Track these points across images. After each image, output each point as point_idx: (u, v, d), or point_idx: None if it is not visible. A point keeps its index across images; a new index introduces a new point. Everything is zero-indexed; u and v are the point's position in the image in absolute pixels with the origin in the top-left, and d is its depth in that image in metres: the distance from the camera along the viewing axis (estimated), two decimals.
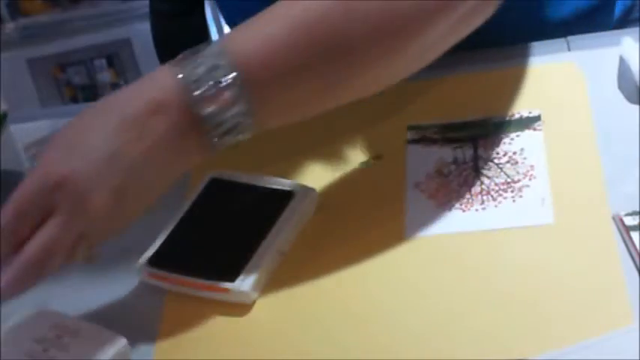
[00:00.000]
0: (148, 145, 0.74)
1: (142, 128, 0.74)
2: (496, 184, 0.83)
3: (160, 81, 0.75)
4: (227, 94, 0.74)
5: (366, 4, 0.75)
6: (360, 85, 0.79)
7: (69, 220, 0.73)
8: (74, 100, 2.22)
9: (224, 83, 0.74)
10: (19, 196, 0.74)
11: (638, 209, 0.77)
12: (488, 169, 0.84)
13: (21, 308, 0.80)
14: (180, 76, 0.74)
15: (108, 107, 0.76)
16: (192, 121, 0.74)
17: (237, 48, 0.75)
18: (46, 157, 0.75)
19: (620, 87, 0.88)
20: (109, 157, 0.73)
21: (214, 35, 1.77)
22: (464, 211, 0.82)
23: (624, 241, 0.76)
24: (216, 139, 0.76)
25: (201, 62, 0.74)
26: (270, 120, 0.77)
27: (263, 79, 0.75)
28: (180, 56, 0.76)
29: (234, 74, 0.74)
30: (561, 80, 0.91)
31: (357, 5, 0.75)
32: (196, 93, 0.74)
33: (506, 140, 0.86)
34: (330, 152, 0.90)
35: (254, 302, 0.79)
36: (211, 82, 0.74)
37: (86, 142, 0.74)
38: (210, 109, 0.74)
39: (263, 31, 0.76)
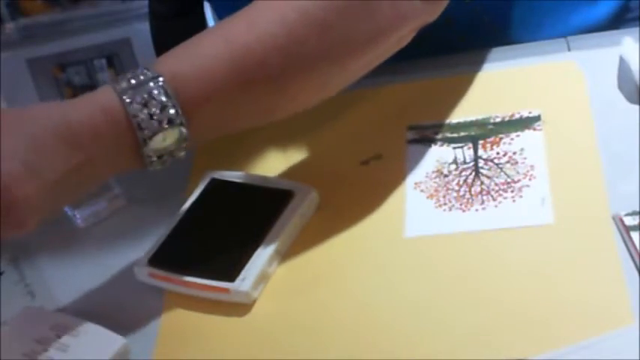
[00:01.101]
0: (82, 160, 0.74)
1: (80, 145, 0.74)
2: (496, 184, 0.83)
3: (101, 101, 0.75)
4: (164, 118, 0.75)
5: (303, 38, 0.77)
6: (289, 107, 0.81)
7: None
8: None
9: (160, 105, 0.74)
10: None
11: (638, 209, 0.77)
12: (489, 169, 0.84)
13: (21, 308, 0.81)
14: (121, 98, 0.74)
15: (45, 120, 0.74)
16: (130, 143, 0.75)
17: (172, 69, 0.75)
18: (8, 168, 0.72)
19: (620, 87, 0.88)
20: (54, 183, 0.73)
21: None
22: (464, 211, 0.82)
23: (624, 241, 0.75)
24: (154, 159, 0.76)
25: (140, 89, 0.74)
26: (199, 137, 0.78)
27: (198, 100, 0.75)
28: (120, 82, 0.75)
29: (170, 99, 0.74)
30: (561, 80, 0.91)
31: (291, 41, 0.77)
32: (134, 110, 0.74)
33: (506, 140, 0.86)
34: (330, 152, 0.90)
35: (254, 302, 0.79)
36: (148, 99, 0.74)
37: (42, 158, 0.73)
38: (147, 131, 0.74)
39: (200, 52, 0.77)
